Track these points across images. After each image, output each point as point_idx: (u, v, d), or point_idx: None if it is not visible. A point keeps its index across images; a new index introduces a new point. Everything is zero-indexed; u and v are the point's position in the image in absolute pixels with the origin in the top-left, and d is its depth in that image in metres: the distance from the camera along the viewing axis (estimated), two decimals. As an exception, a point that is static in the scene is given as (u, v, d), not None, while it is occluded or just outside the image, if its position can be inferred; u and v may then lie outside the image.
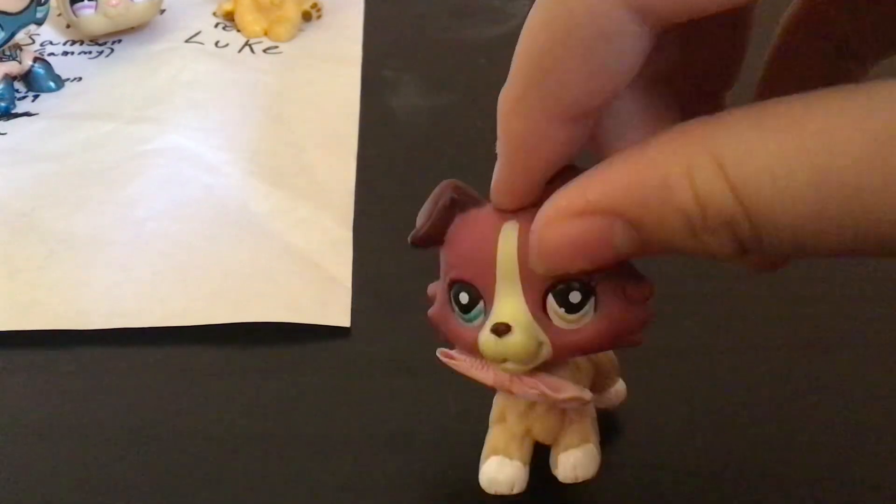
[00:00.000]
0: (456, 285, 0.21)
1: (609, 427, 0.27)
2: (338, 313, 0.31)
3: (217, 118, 0.40)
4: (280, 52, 0.46)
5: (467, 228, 0.20)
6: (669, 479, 0.25)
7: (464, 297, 0.21)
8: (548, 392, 0.21)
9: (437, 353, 0.23)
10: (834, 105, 0.14)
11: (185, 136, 0.39)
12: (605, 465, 0.26)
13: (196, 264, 0.33)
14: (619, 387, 0.26)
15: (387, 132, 0.40)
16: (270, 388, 0.28)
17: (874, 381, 0.28)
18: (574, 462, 0.23)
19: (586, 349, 0.21)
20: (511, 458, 0.23)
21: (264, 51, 0.46)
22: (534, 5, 0.16)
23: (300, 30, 0.47)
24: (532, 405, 0.23)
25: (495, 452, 0.23)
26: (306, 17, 0.48)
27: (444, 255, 0.21)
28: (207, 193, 0.36)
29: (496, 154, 0.19)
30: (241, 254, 0.33)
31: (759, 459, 0.26)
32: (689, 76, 0.20)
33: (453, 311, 0.21)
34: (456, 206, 0.20)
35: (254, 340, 0.30)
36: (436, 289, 0.22)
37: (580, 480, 0.23)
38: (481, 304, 0.20)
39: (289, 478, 0.25)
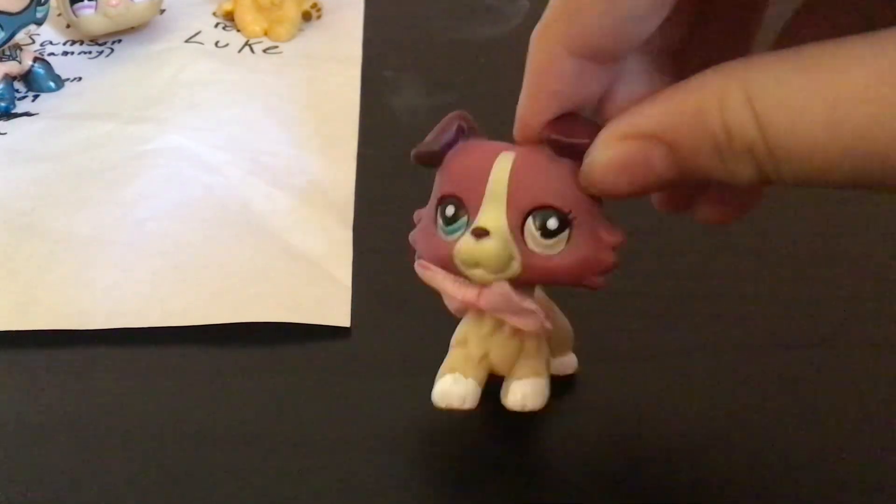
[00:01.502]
0: (445, 199, 0.22)
1: (609, 426, 0.27)
2: (338, 313, 0.30)
3: (217, 118, 0.40)
4: (280, 52, 0.46)
5: (466, 152, 0.23)
6: (669, 479, 0.25)
7: (450, 210, 0.22)
8: (514, 297, 0.22)
9: (416, 264, 0.24)
10: (849, 47, 0.16)
11: (185, 136, 0.39)
12: (603, 465, 0.26)
13: (196, 264, 0.33)
14: (571, 359, 0.27)
15: (387, 132, 0.40)
16: (270, 388, 0.28)
17: (874, 381, 0.28)
18: (524, 391, 0.24)
19: (552, 277, 0.22)
20: (466, 377, 0.24)
21: (264, 51, 0.46)
22: None
23: (300, 30, 0.47)
24: (493, 331, 0.24)
25: (451, 371, 0.24)
26: (306, 17, 0.48)
27: (440, 175, 0.23)
28: (207, 193, 0.36)
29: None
30: (241, 254, 0.33)
31: (759, 459, 0.26)
32: (701, 51, 0.21)
33: (436, 225, 0.23)
34: (461, 133, 0.23)
35: (254, 340, 0.30)
36: (421, 212, 0.24)
37: (527, 410, 0.24)
38: (465, 218, 0.22)
39: (289, 478, 0.25)
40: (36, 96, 0.42)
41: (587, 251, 0.22)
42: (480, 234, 0.21)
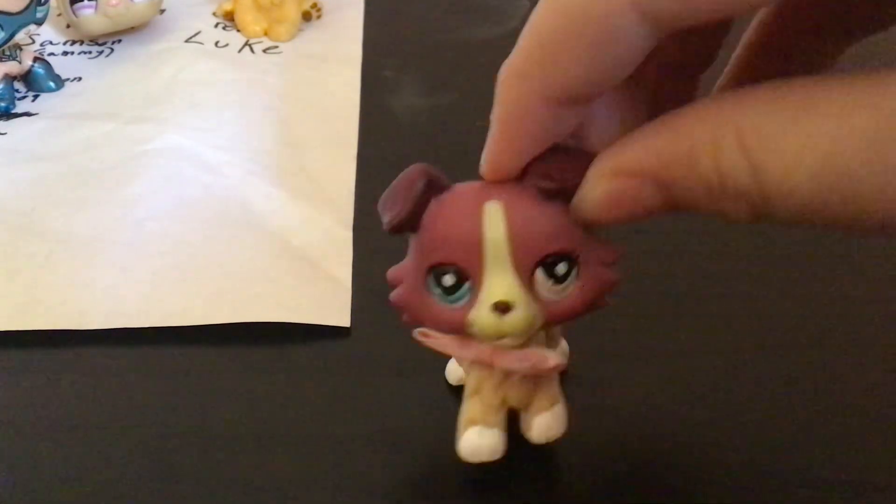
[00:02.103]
0: (438, 268, 0.21)
1: (608, 426, 0.27)
2: (338, 313, 0.31)
3: (217, 118, 0.40)
4: (280, 52, 0.46)
5: (446, 211, 0.21)
6: (669, 479, 0.25)
7: (449, 280, 0.21)
8: (539, 363, 0.22)
9: (414, 334, 0.23)
10: (847, 90, 0.15)
11: (185, 136, 0.39)
12: (603, 466, 0.26)
13: (196, 264, 0.33)
14: (564, 346, 0.27)
15: (387, 132, 0.40)
16: (270, 388, 0.28)
17: (874, 381, 0.28)
18: (547, 423, 0.24)
19: (572, 315, 0.22)
20: (490, 427, 0.24)
21: (264, 51, 0.46)
22: None
23: (300, 30, 0.47)
24: (507, 376, 0.24)
25: (473, 423, 0.24)
26: (306, 17, 0.48)
27: (421, 239, 0.21)
28: (207, 193, 0.36)
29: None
30: (241, 254, 0.33)
31: (759, 459, 0.26)
32: (668, 60, 0.21)
33: (431, 293, 0.21)
34: (431, 191, 0.21)
35: (254, 340, 0.30)
36: (400, 273, 0.22)
37: (552, 440, 0.24)
38: (467, 284, 0.21)
39: (289, 477, 0.25)
40: (36, 96, 0.42)
41: (595, 280, 0.21)
42: (504, 309, 0.21)
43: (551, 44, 0.17)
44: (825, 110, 0.15)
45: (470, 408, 0.24)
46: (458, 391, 0.27)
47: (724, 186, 0.16)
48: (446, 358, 0.29)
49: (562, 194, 0.20)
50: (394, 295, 0.22)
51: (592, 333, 0.25)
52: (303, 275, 0.32)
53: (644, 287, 0.31)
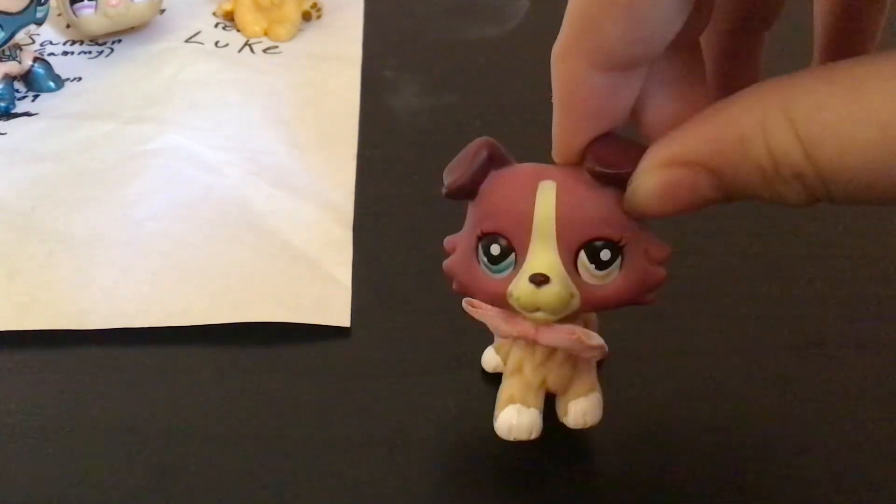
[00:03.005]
0: (488, 237, 0.22)
1: (608, 426, 0.27)
2: (338, 313, 0.31)
3: (217, 118, 0.40)
4: (280, 52, 0.46)
5: (503, 183, 0.22)
6: (669, 479, 0.25)
7: (495, 249, 0.22)
8: (584, 338, 0.22)
9: (463, 303, 0.24)
10: (892, 69, 0.15)
11: (185, 136, 0.39)
12: (603, 466, 0.26)
13: (196, 264, 0.33)
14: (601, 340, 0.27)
15: (387, 132, 0.40)
16: (271, 388, 0.28)
17: (874, 381, 0.28)
18: (584, 409, 0.24)
19: (610, 304, 0.22)
20: (528, 406, 0.24)
21: (264, 51, 0.46)
22: None
23: (300, 30, 0.47)
24: (549, 357, 0.24)
25: (512, 401, 0.24)
26: (306, 17, 0.48)
27: (476, 208, 0.22)
28: (207, 193, 0.36)
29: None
30: (241, 254, 0.33)
31: (759, 459, 0.26)
32: (731, 16, 0.21)
33: (479, 262, 0.22)
34: (492, 162, 0.22)
35: (254, 340, 0.30)
36: (455, 241, 0.23)
37: (588, 426, 0.25)
38: (512, 255, 0.21)
39: (288, 478, 0.25)
40: (36, 96, 0.42)
41: (639, 273, 0.22)
42: (541, 280, 0.21)
43: (589, 14, 0.17)
44: (875, 87, 0.15)
45: (510, 386, 0.24)
46: (456, 391, 0.28)
47: (777, 169, 0.17)
48: (446, 358, 0.29)
49: (615, 181, 0.20)
50: (446, 263, 0.23)
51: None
52: (303, 275, 0.32)
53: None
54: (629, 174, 0.20)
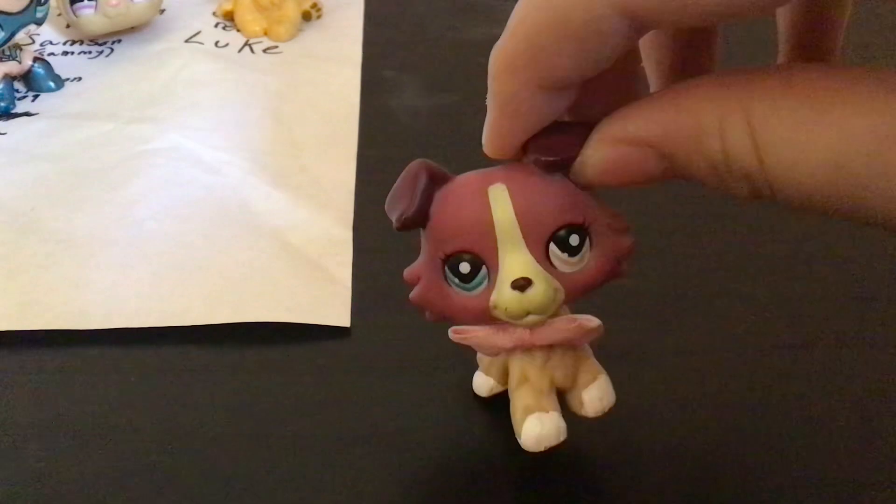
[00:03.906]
0: (453, 258, 0.21)
1: (607, 426, 0.27)
2: (338, 313, 0.31)
3: (217, 118, 0.40)
4: (280, 52, 0.46)
5: (451, 201, 0.21)
6: (669, 480, 0.25)
7: (465, 267, 0.21)
8: (584, 323, 0.22)
9: (450, 334, 0.23)
10: (851, 92, 0.16)
11: (185, 136, 0.39)
12: (603, 466, 0.26)
13: (196, 264, 0.33)
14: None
15: (387, 132, 0.40)
16: (270, 388, 0.28)
17: (874, 381, 0.28)
18: (598, 395, 0.24)
19: (591, 286, 0.22)
20: (547, 411, 0.24)
21: (264, 51, 0.46)
22: None
23: (300, 30, 0.47)
24: (549, 356, 0.23)
25: (530, 412, 0.23)
26: (306, 17, 0.48)
27: (432, 233, 0.21)
28: (207, 193, 0.36)
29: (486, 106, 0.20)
30: (241, 254, 0.33)
31: (759, 460, 0.26)
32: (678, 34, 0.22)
33: (450, 285, 0.22)
34: (434, 183, 0.21)
35: (254, 340, 0.30)
36: (416, 271, 0.22)
37: (607, 410, 0.24)
38: (483, 269, 0.21)
39: (288, 477, 0.25)
40: (36, 96, 0.42)
41: (609, 248, 0.22)
42: (523, 284, 0.21)
43: (538, 40, 0.17)
44: (833, 108, 0.16)
45: (522, 397, 0.24)
46: (456, 391, 0.28)
47: (729, 167, 0.17)
48: (446, 358, 0.29)
49: (563, 166, 0.20)
50: (413, 294, 0.23)
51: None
52: (303, 275, 0.32)
53: (644, 287, 0.31)
54: (573, 160, 0.20)
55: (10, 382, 0.29)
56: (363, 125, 0.40)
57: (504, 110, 0.19)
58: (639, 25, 0.16)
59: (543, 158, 0.20)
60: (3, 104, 0.41)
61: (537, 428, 0.23)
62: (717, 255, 0.33)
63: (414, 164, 0.21)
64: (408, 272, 0.23)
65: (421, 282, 0.22)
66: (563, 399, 0.25)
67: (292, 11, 0.47)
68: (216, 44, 0.46)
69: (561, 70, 0.18)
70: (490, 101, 0.19)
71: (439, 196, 0.21)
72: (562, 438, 0.24)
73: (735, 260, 0.33)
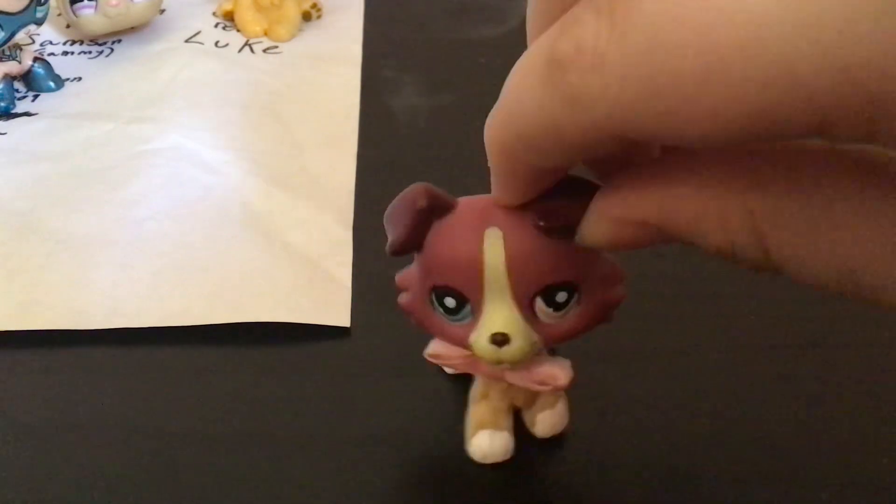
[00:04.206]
0: (440, 290, 0.21)
1: (607, 426, 0.27)
2: (338, 313, 0.31)
3: (217, 118, 0.40)
4: (280, 52, 0.46)
5: (447, 234, 0.20)
6: (669, 480, 0.25)
7: (450, 302, 0.21)
8: (552, 383, 0.23)
9: (426, 356, 0.24)
10: (866, 191, 0.15)
11: (185, 135, 0.39)
12: (603, 466, 0.26)
13: (196, 264, 0.33)
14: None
15: (387, 132, 0.40)
16: (270, 388, 0.28)
17: (874, 381, 0.28)
18: (552, 422, 0.25)
19: (572, 336, 0.22)
20: (499, 430, 0.25)
21: (264, 51, 0.46)
22: (529, 74, 0.16)
23: (300, 30, 0.47)
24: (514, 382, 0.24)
25: (483, 427, 0.25)
26: (306, 17, 0.48)
27: (423, 260, 0.21)
28: (207, 193, 0.36)
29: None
30: (241, 254, 0.33)
31: (758, 460, 0.26)
32: None
33: (434, 309, 0.22)
34: (433, 213, 0.20)
35: (254, 340, 0.30)
36: (407, 280, 0.22)
37: (556, 434, 0.26)
38: (468, 307, 0.21)
39: (288, 477, 0.25)
40: (36, 96, 0.42)
41: (597, 302, 0.21)
42: (501, 341, 0.21)
43: (531, 137, 0.17)
44: (843, 212, 0.15)
45: (479, 412, 0.25)
46: (456, 392, 0.28)
47: (734, 254, 0.17)
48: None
49: (563, 232, 0.19)
50: (402, 299, 0.23)
51: (593, 333, 0.25)
52: (303, 275, 0.32)
53: (644, 287, 0.31)
54: (576, 223, 0.19)
55: (10, 382, 0.29)
56: (363, 125, 0.40)
57: (504, 178, 0.19)
58: (627, 140, 0.16)
59: (543, 224, 0.19)
60: (3, 104, 0.41)
61: (486, 444, 0.25)
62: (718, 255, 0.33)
63: (416, 189, 0.21)
64: (399, 278, 0.23)
65: (410, 291, 0.22)
66: (519, 413, 0.26)
67: (292, 11, 0.47)
68: (216, 44, 0.46)
69: (555, 162, 0.17)
70: (491, 168, 0.19)
71: (438, 225, 0.21)
72: (506, 457, 0.25)
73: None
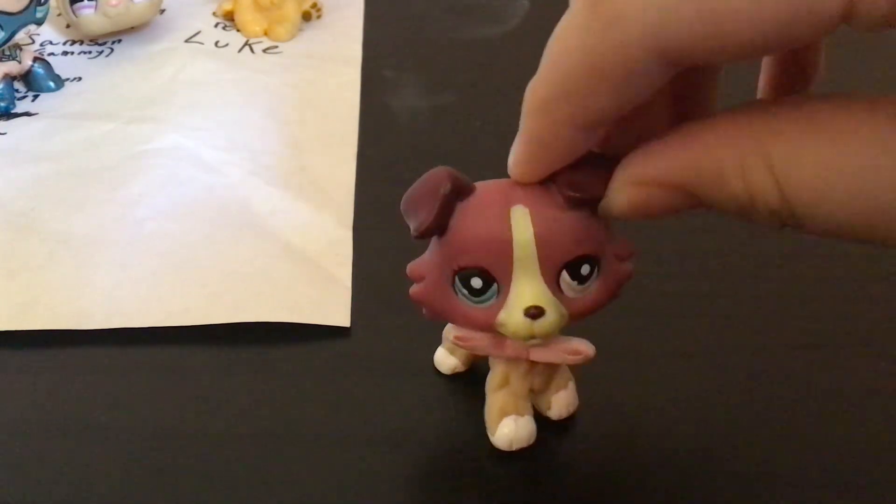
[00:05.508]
0: (466, 271, 0.21)
1: (608, 426, 0.27)
2: (338, 313, 0.31)
3: (217, 118, 0.40)
4: (280, 52, 0.46)
5: (472, 216, 0.21)
6: (669, 480, 0.25)
7: (477, 282, 0.21)
8: (586, 353, 0.23)
9: (452, 339, 0.24)
10: (871, 122, 0.16)
11: (185, 135, 0.39)
12: (603, 465, 0.26)
13: (196, 264, 0.33)
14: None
15: (387, 132, 0.40)
16: (270, 388, 0.28)
17: (874, 381, 0.28)
18: (567, 401, 0.26)
19: (592, 311, 0.22)
20: (522, 415, 0.25)
21: (264, 51, 0.46)
22: (572, 14, 0.17)
23: (300, 30, 0.47)
24: (533, 365, 0.24)
25: (506, 413, 0.25)
26: (306, 17, 0.48)
27: (448, 243, 0.22)
28: (207, 193, 0.36)
29: (516, 129, 0.20)
30: (241, 254, 0.33)
31: (758, 460, 0.26)
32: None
33: (456, 294, 0.22)
34: (456, 195, 0.21)
35: (254, 340, 0.30)
36: (421, 269, 0.23)
37: (570, 414, 0.26)
38: (494, 286, 0.21)
39: (288, 477, 0.25)
40: (36, 96, 0.42)
41: (613, 276, 0.22)
42: (536, 314, 0.21)
43: (574, 78, 0.17)
44: (853, 139, 0.16)
45: (499, 399, 0.25)
46: (456, 391, 0.28)
47: (753, 205, 0.17)
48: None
49: (589, 203, 0.20)
50: (414, 290, 0.23)
51: (591, 333, 0.25)
52: (303, 275, 0.32)
53: (645, 287, 0.31)
54: (601, 196, 0.20)
55: (10, 382, 0.29)
56: (363, 125, 0.40)
57: (535, 145, 0.20)
58: (673, 64, 0.16)
59: (571, 195, 0.20)
60: (3, 104, 0.41)
61: (512, 430, 0.25)
62: (719, 255, 0.33)
63: (438, 172, 0.21)
64: (411, 268, 0.23)
65: (425, 281, 0.22)
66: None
67: (292, 11, 0.47)
68: (216, 44, 0.46)
69: (595, 110, 0.18)
70: (521, 134, 0.20)
71: (460, 208, 0.21)
72: (531, 441, 0.25)
73: (736, 259, 0.33)
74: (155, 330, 0.30)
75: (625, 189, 0.19)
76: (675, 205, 0.18)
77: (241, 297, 0.31)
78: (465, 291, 0.22)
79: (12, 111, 0.41)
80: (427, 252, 0.23)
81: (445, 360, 0.28)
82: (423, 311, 0.23)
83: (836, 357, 0.29)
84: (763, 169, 0.17)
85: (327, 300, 0.31)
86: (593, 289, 0.22)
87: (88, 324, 0.30)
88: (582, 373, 0.27)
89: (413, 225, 0.22)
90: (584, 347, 0.24)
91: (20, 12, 0.39)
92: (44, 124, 0.40)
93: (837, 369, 0.29)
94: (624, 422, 0.27)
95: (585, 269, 0.21)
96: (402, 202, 0.22)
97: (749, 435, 0.27)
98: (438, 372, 0.28)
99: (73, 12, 0.44)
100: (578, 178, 0.20)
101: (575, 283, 0.21)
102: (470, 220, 0.21)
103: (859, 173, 0.16)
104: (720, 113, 0.18)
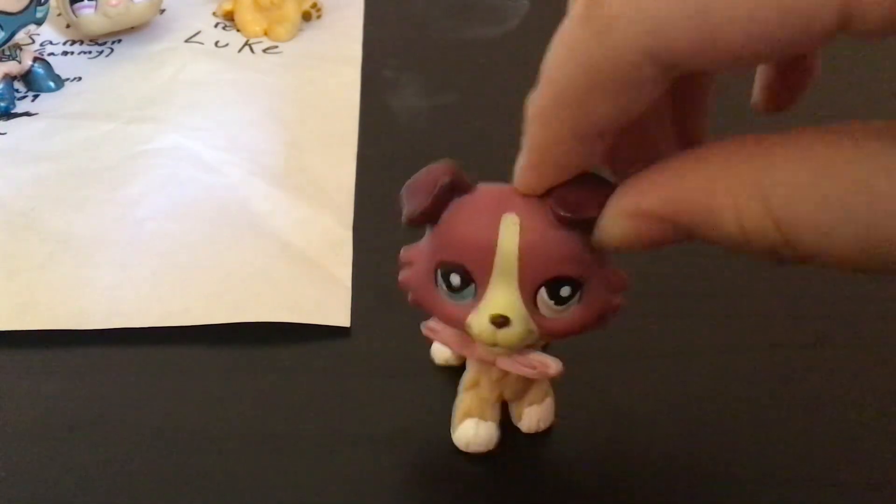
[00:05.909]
0: (447, 266, 0.21)
1: (607, 425, 0.27)
2: (338, 313, 0.31)
3: (217, 118, 0.40)
4: (280, 52, 0.46)
5: (465, 213, 0.21)
6: (669, 479, 0.25)
7: (455, 279, 0.21)
8: (542, 371, 0.23)
9: (422, 327, 0.24)
10: (867, 157, 0.15)
11: (185, 135, 0.39)
12: (602, 465, 0.26)
13: (196, 264, 0.33)
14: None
15: (387, 132, 0.40)
16: (270, 388, 0.28)
17: (874, 381, 0.28)
18: (538, 416, 0.26)
19: (567, 335, 0.22)
20: (485, 420, 0.25)
21: (264, 51, 0.46)
22: (568, 24, 0.17)
23: (300, 30, 0.47)
24: (505, 374, 0.24)
25: (469, 415, 0.25)
26: (306, 17, 0.48)
27: (436, 235, 0.22)
28: (207, 193, 0.36)
29: (516, 146, 0.20)
30: (241, 254, 0.33)
31: (758, 460, 0.26)
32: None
33: (437, 286, 0.22)
34: (454, 190, 0.21)
35: (254, 340, 0.30)
36: (413, 255, 0.23)
37: (541, 430, 0.26)
38: (472, 286, 0.21)
39: (288, 477, 0.25)
40: (36, 96, 0.42)
41: (598, 304, 0.22)
42: (501, 323, 0.21)
43: (573, 88, 0.17)
44: (852, 171, 0.15)
45: (467, 400, 0.25)
46: (454, 391, 0.28)
47: (749, 242, 0.17)
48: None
49: (579, 225, 0.20)
50: (403, 275, 0.23)
51: (592, 333, 0.26)
52: (303, 275, 0.32)
53: (645, 287, 0.31)
54: (593, 218, 0.20)
55: (10, 382, 0.29)
56: (363, 125, 0.40)
57: (536, 155, 0.19)
58: (670, 70, 0.16)
59: (562, 213, 0.20)
60: (3, 104, 0.41)
61: (471, 432, 0.25)
62: (719, 255, 0.33)
63: (441, 165, 0.21)
64: (404, 253, 0.23)
65: (413, 267, 0.23)
66: (506, 405, 0.26)
67: (292, 11, 0.47)
68: (216, 44, 0.46)
69: (593, 119, 0.18)
70: (525, 145, 0.20)
71: (456, 204, 0.21)
72: (489, 448, 0.25)
73: (736, 259, 0.33)
74: (155, 330, 0.30)
75: (618, 220, 0.19)
76: (669, 238, 0.18)
77: (241, 297, 0.31)
78: (445, 286, 0.22)
79: (12, 111, 0.41)
80: (422, 241, 0.23)
81: (439, 351, 0.28)
82: (409, 296, 0.23)
83: (836, 357, 0.29)
84: (759, 208, 0.16)
85: (327, 300, 0.31)
86: (572, 312, 0.21)
87: (88, 324, 0.30)
88: (576, 371, 0.27)
89: (405, 211, 0.22)
90: (548, 363, 0.23)
91: (20, 12, 0.39)
92: (44, 124, 0.40)
93: (837, 369, 0.29)
94: (623, 420, 0.27)
95: (565, 291, 0.21)
96: (402, 189, 0.22)
97: (748, 435, 0.27)
98: (438, 372, 0.28)
99: (73, 12, 0.44)
100: (572, 197, 0.20)
101: (552, 302, 0.21)
102: (461, 217, 0.21)
103: (862, 204, 0.15)
104: (714, 144, 0.18)
